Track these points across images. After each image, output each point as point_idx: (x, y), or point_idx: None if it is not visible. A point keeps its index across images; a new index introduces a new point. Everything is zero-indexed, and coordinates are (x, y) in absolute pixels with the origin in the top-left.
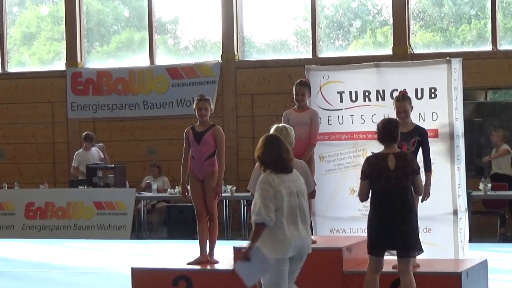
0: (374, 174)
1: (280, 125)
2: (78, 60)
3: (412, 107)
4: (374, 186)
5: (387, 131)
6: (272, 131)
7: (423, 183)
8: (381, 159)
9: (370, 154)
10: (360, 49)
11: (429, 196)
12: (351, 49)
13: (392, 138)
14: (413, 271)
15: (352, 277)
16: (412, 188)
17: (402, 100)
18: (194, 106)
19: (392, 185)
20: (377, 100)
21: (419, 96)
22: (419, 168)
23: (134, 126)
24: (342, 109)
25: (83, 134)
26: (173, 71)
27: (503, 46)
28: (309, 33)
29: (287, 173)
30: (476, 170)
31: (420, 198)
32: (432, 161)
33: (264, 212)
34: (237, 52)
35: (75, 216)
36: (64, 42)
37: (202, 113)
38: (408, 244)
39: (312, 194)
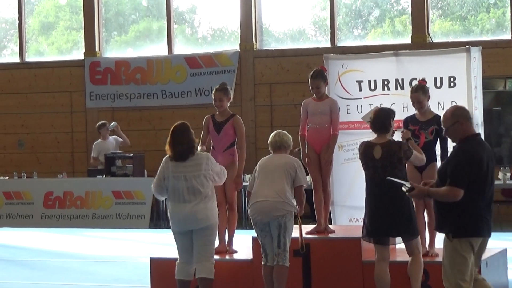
0: (362, 162)
1: (278, 131)
2: (97, 49)
3: (428, 97)
4: (364, 174)
5: (378, 120)
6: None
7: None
8: (368, 148)
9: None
10: (378, 38)
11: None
12: (370, 38)
13: (383, 127)
14: (432, 260)
15: (371, 267)
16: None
17: (415, 91)
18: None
19: (379, 174)
20: (396, 89)
21: (438, 85)
22: (409, 151)
23: (152, 116)
24: (361, 98)
25: (96, 125)
26: (192, 61)
27: None
28: (328, 22)
29: (181, 161)
30: (495, 159)
31: None
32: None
33: (153, 187)
34: (256, 41)
35: (93, 206)
36: (82, 31)
37: (217, 104)
38: (399, 231)
39: (298, 189)
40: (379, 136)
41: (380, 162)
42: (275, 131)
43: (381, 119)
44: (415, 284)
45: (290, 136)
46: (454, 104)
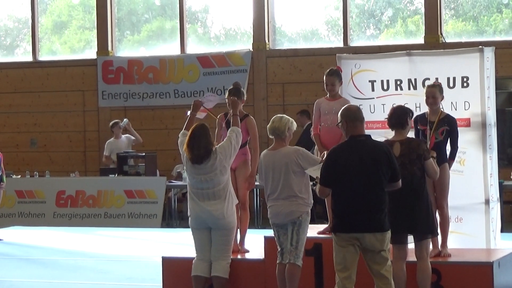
0: None
1: (279, 115)
2: (109, 48)
3: (442, 97)
4: None
5: (395, 117)
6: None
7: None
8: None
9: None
10: (391, 38)
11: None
12: (382, 38)
13: (400, 124)
14: (444, 260)
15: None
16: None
17: (432, 87)
18: None
19: None
20: (409, 89)
21: (451, 85)
22: (428, 153)
23: (165, 115)
24: (373, 98)
25: (110, 123)
26: (204, 60)
27: None
28: (340, 22)
29: (198, 164)
30: (508, 159)
31: None
32: (463, 150)
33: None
34: (268, 41)
35: (105, 205)
36: (95, 30)
37: (229, 107)
38: (416, 228)
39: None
40: (396, 133)
41: (399, 159)
42: (275, 116)
43: (397, 115)
44: None
45: (289, 119)
46: (467, 104)
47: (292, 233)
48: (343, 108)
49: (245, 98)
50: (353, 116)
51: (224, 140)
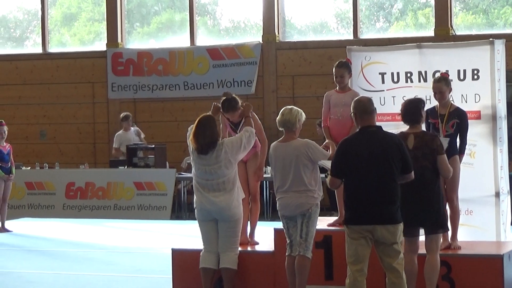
0: None
1: (289, 106)
2: (119, 40)
3: (450, 89)
4: None
5: (409, 113)
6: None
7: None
8: (402, 139)
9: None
10: (401, 30)
11: (449, 176)
12: (392, 31)
13: (415, 119)
14: (454, 253)
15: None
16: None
17: (438, 81)
18: None
19: None
20: (419, 81)
21: (461, 77)
22: (441, 148)
23: (174, 107)
24: (383, 90)
25: (121, 115)
26: (214, 52)
27: None
28: (350, 15)
29: (203, 154)
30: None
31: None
32: (474, 142)
33: None
34: (278, 33)
35: (115, 196)
36: (104, 22)
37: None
38: (427, 221)
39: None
40: (411, 127)
41: (412, 152)
42: (284, 108)
43: (411, 112)
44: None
45: (298, 110)
46: (477, 96)
47: (301, 225)
48: (354, 99)
49: (239, 105)
50: (364, 107)
51: (235, 136)
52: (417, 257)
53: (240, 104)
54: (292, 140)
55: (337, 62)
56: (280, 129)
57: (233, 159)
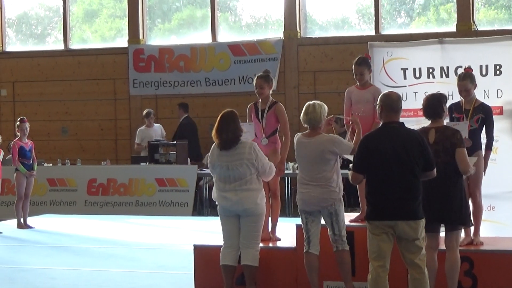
0: None
1: (311, 102)
2: (140, 37)
3: (475, 85)
4: None
5: (430, 107)
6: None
7: (481, 160)
8: (424, 133)
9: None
10: (423, 26)
11: (483, 173)
12: (414, 26)
13: (436, 113)
14: (477, 249)
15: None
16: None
17: (463, 79)
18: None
19: None
20: (441, 77)
21: (483, 73)
22: (461, 142)
23: (195, 103)
24: (405, 86)
25: (144, 112)
26: (235, 48)
27: None
28: (372, 10)
29: (225, 150)
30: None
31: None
32: (496, 138)
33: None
34: (299, 29)
35: (137, 193)
36: (126, 19)
37: (258, 91)
38: (449, 217)
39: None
40: (433, 121)
41: (433, 146)
42: (308, 103)
43: (432, 106)
44: (451, 285)
45: (321, 106)
46: (500, 92)
47: (331, 224)
48: (383, 93)
49: (273, 84)
50: (391, 104)
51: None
52: (437, 254)
53: (272, 83)
54: (317, 135)
55: (355, 59)
56: (305, 126)
57: (257, 164)
